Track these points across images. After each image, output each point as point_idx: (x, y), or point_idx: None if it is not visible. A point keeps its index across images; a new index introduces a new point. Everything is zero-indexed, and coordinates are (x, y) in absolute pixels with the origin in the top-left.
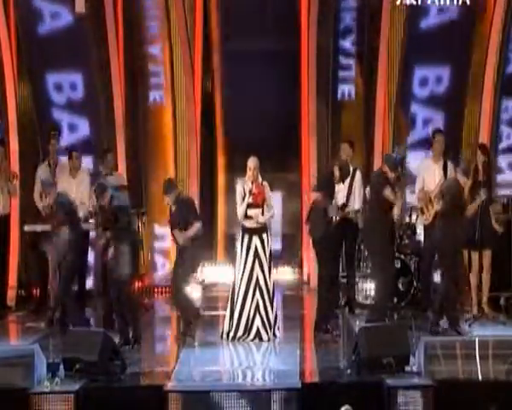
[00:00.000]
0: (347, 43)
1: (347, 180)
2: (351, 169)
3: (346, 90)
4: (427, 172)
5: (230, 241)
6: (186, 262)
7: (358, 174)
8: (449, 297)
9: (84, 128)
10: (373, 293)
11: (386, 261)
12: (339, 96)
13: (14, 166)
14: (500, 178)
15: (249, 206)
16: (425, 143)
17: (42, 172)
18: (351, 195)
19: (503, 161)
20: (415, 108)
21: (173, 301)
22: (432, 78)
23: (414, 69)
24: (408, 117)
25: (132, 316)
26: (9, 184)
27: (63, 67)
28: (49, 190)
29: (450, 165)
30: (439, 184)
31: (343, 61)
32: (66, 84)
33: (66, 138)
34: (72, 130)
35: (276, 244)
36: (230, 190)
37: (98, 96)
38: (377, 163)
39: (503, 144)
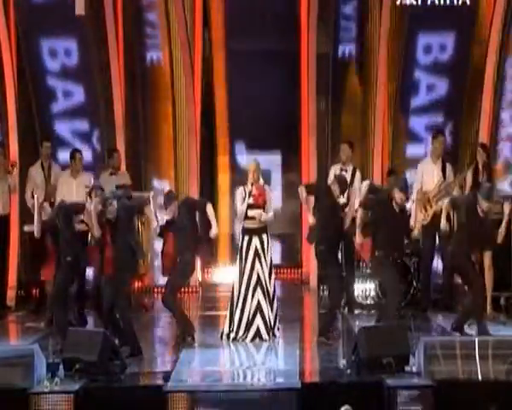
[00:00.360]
0: (347, 44)
1: (348, 178)
2: (349, 173)
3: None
4: (425, 172)
5: (231, 241)
6: (180, 266)
7: (358, 174)
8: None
9: (78, 94)
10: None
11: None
12: (339, 95)
13: None
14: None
15: (250, 206)
16: (428, 109)
17: (35, 172)
18: (351, 194)
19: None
20: (418, 74)
21: (164, 303)
22: (436, 45)
23: (418, 36)
24: (410, 82)
25: (127, 331)
26: (9, 176)
27: (57, 33)
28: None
29: (448, 166)
30: (437, 185)
31: (343, 60)
32: (60, 50)
33: (61, 104)
34: (66, 96)
35: (275, 244)
36: (230, 190)
37: (93, 62)
38: (377, 163)
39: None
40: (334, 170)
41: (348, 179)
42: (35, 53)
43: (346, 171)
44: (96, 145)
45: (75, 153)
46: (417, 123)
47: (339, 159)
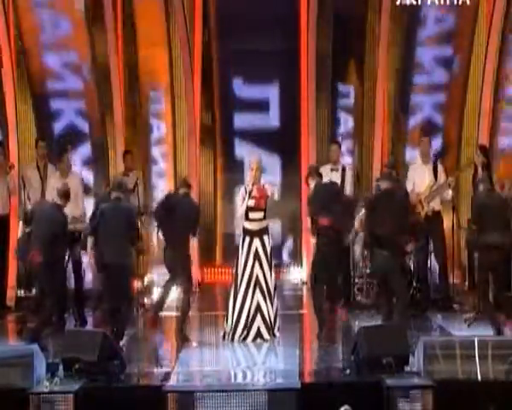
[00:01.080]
0: (346, 45)
1: (339, 177)
2: (339, 172)
3: (346, 90)
4: (417, 174)
5: (229, 241)
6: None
7: (348, 171)
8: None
9: (65, 25)
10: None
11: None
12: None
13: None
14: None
15: (251, 209)
16: (436, 40)
17: (30, 172)
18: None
19: None
20: (425, 10)
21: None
22: None
23: None
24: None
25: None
26: (8, 178)
27: None
28: None
29: (440, 167)
30: (428, 186)
31: (342, 61)
32: None
33: (50, 36)
34: (54, 27)
35: (275, 244)
36: (230, 190)
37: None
38: (376, 163)
39: None
40: (324, 170)
41: (339, 178)
42: None
43: (337, 170)
44: (87, 77)
45: (63, 153)
46: (425, 54)
47: (329, 159)
